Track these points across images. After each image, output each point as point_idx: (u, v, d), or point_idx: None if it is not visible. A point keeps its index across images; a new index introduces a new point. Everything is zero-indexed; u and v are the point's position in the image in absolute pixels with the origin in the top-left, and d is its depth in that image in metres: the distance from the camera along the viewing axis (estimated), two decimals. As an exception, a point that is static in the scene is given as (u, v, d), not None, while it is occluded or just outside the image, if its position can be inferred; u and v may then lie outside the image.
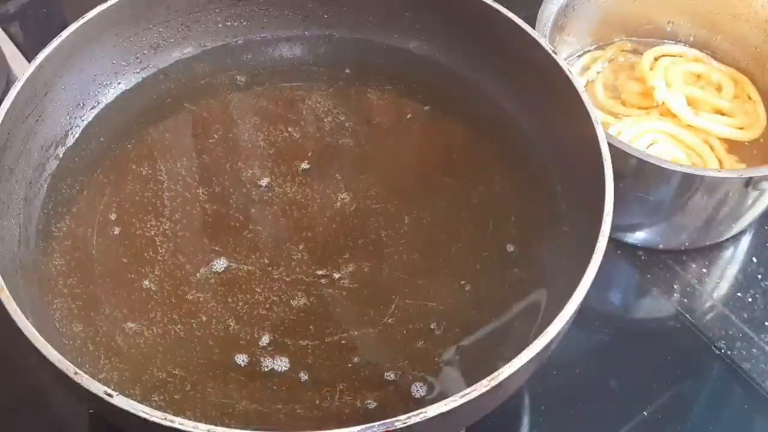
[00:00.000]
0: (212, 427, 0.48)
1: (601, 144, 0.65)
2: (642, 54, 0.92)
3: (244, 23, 0.84)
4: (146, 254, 0.69)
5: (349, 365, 0.63)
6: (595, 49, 0.95)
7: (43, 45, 0.71)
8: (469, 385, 0.51)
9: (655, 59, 0.91)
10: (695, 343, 0.77)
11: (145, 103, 0.79)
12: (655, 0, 0.93)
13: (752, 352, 0.77)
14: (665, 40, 0.95)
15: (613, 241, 0.60)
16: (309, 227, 0.71)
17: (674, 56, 0.92)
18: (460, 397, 0.50)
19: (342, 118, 0.79)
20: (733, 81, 0.91)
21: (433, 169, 0.76)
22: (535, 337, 0.54)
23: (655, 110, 0.88)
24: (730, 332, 0.78)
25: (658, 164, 0.73)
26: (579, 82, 0.68)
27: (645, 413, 0.73)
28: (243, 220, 0.71)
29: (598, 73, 0.93)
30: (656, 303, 0.81)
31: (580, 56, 0.95)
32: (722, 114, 0.88)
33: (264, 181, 0.74)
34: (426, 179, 0.76)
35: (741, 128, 0.87)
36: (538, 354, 0.53)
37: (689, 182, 0.74)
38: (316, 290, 0.67)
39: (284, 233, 0.71)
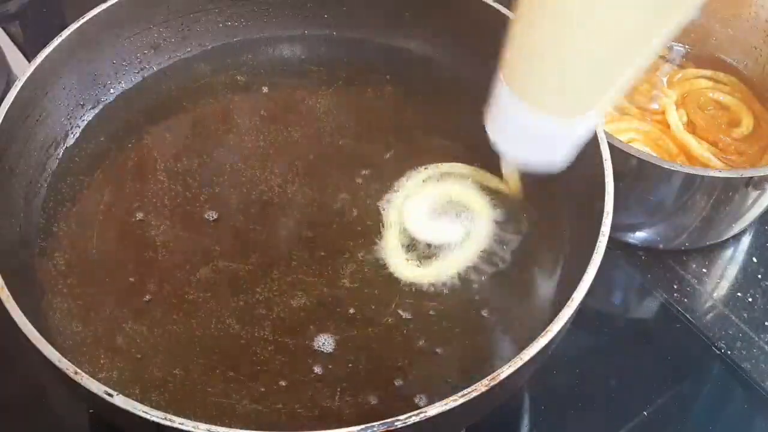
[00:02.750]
0: (212, 427, 0.48)
1: (601, 144, 0.65)
2: (677, 64, 0.93)
3: (244, 23, 0.84)
4: (146, 254, 0.69)
5: (350, 365, 0.63)
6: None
7: (43, 45, 0.71)
8: (468, 385, 0.51)
9: (686, 79, 0.92)
10: (695, 343, 0.77)
11: (145, 103, 0.79)
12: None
13: (752, 352, 0.77)
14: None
15: (613, 241, 0.60)
16: (309, 227, 0.71)
17: (707, 79, 0.92)
18: (460, 397, 0.50)
19: (342, 118, 0.79)
20: (754, 121, 0.89)
21: (433, 169, 0.76)
22: (535, 337, 0.54)
23: (651, 115, 0.88)
24: (730, 332, 0.78)
25: (658, 164, 0.73)
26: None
27: (645, 413, 0.73)
28: (243, 219, 0.71)
29: None
30: (656, 303, 0.81)
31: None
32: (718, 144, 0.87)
33: (264, 181, 0.74)
34: (426, 179, 0.76)
35: (726, 164, 0.85)
36: (538, 354, 0.53)
37: (689, 182, 0.74)
38: (316, 290, 0.67)
39: (284, 233, 0.71)
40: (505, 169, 0.70)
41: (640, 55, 0.53)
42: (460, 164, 0.75)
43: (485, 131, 0.67)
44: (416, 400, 0.61)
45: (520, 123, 0.58)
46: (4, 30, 1.01)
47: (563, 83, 0.55)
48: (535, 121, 0.57)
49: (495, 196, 0.73)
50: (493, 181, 0.73)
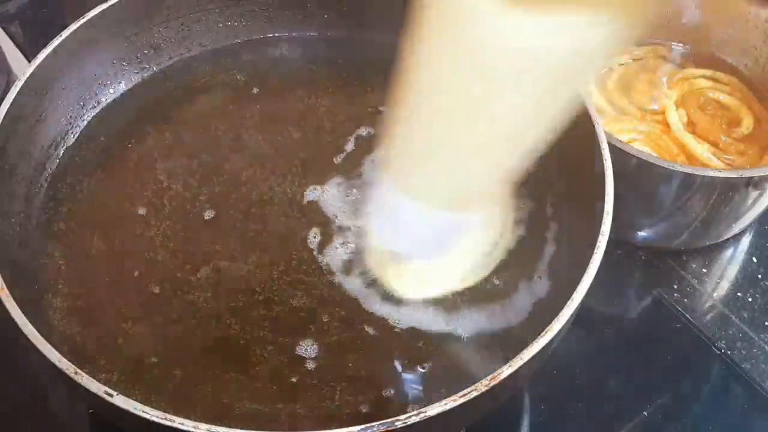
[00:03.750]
0: (212, 427, 0.48)
1: (601, 144, 0.65)
2: (674, 63, 0.93)
3: (244, 23, 0.84)
4: (146, 254, 0.69)
5: (350, 365, 0.63)
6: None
7: (43, 45, 0.71)
8: (467, 385, 0.51)
9: (686, 79, 0.92)
10: (695, 343, 0.77)
11: (145, 103, 0.79)
12: (654, 0, 0.93)
13: (752, 352, 0.77)
14: (665, 41, 0.95)
15: (613, 241, 0.60)
16: (309, 226, 0.71)
17: (707, 79, 0.92)
18: (460, 397, 0.50)
19: (342, 118, 0.79)
20: (754, 121, 0.89)
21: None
22: (535, 337, 0.54)
23: (651, 115, 0.88)
24: (730, 332, 0.78)
25: (658, 164, 0.73)
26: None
27: (645, 413, 0.73)
28: (243, 219, 0.71)
29: (620, 65, 0.93)
30: (656, 303, 0.81)
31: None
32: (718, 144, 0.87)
33: (264, 181, 0.74)
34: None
35: (726, 164, 0.85)
36: (538, 354, 0.53)
37: (689, 182, 0.74)
38: (316, 290, 0.67)
39: (284, 233, 0.71)
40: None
41: (513, 159, 0.54)
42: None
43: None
44: (417, 398, 0.61)
45: (410, 220, 0.60)
46: (4, 30, 1.01)
47: (450, 181, 0.57)
48: (425, 217, 0.59)
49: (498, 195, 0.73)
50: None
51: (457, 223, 0.58)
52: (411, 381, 0.62)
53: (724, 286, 0.83)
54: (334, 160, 0.75)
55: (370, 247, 0.67)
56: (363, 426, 0.49)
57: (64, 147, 0.75)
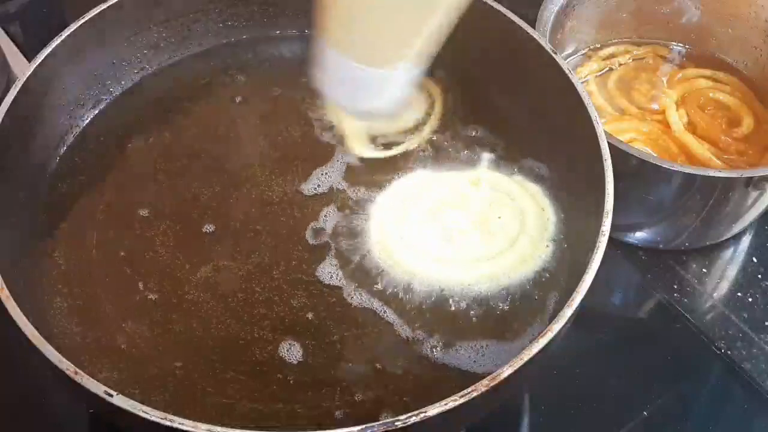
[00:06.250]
0: (212, 427, 0.48)
1: (601, 144, 0.65)
2: (674, 63, 0.93)
3: (244, 23, 0.84)
4: (146, 254, 0.69)
5: (350, 364, 0.63)
6: (628, 43, 0.95)
7: (43, 45, 0.71)
8: (468, 384, 0.51)
9: (686, 79, 0.92)
10: (695, 343, 0.77)
11: (145, 103, 0.79)
12: (655, 0, 0.93)
13: (752, 352, 0.77)
14: (665, 41, 0.95)
15: (613, 241, 0.60)
16: (309, 226, 0.71)
17: (707, 78, 0.92)
18: (460, 397, 0.50)
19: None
20: (755, 121, 0.89)
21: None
22: (535, 337, 0.54)
23: (651, 115, 0.88)
24: (730, 332, 0.78)
25: (658, 164, 0.73)
26: (579, 82, 0.69)
27: (645, 413, 0.73)
28: (243, 219, 0.71)
29: (620, 65, 0.93)
30: (656, 303, 0.81)
31: (615, 44, 0.95)
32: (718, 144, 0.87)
33: (264, 181, 0.74)
34: (426, 179, 0.76)
35: (726, 164, 0.84)
36: (537, 354, 0.53)
37: (689, 182, 0.74)
38: (316, 290, 0.67)
39: (284, 233, 0.71)
40: (350, 128, 0.77)
41: (432, 13, 0.62)
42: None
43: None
44: (417, 398, 0.61)
45: (346, 76, 0.68)
46: (4, 30, 1.01)
47: (372, 39, 0.65)
48: (357, 71, 0.67)
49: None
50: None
51: (382, 76, 0.67)
52: (408, 382, 0.62)
53: (724, 286, 0.83)
54: (335, 159, 0.75)
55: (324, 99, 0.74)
56: (363, 426, 0.49)
57: (64, 147, 0.75)
